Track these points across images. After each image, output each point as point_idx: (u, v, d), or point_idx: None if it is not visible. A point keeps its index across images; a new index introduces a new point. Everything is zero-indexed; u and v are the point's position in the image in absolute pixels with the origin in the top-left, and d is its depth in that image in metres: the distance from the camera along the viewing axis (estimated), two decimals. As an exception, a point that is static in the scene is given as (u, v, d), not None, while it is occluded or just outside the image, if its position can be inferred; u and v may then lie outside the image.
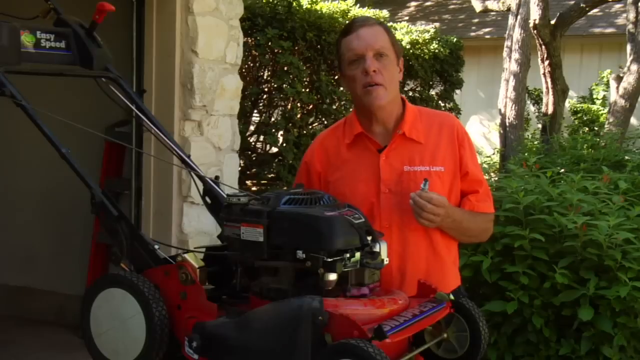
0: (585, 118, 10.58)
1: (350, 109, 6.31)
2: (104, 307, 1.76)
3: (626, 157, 6.17)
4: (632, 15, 8.98)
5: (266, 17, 5.78)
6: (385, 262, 1.74)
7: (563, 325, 3.38)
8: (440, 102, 8.24)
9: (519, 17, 8.45)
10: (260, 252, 1.70)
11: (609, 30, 11.16)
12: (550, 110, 9.16)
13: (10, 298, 5.01)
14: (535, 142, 8.34)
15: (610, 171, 4.52)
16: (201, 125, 4.09)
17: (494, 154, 9.23)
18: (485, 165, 6.95)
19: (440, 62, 8.05)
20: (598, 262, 3.33)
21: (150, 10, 4.02)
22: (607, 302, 3.23)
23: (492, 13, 10.87)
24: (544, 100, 9.40)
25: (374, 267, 1.70)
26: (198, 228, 4.07)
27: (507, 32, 8.86)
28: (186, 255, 1.78)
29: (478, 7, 10.06)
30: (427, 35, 7.99)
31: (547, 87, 9.19)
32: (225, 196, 1.89)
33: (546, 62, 9.01)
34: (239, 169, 4.78)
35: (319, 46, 6.17)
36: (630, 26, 9.00)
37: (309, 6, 6.38)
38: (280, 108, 6.15)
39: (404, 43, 7.52)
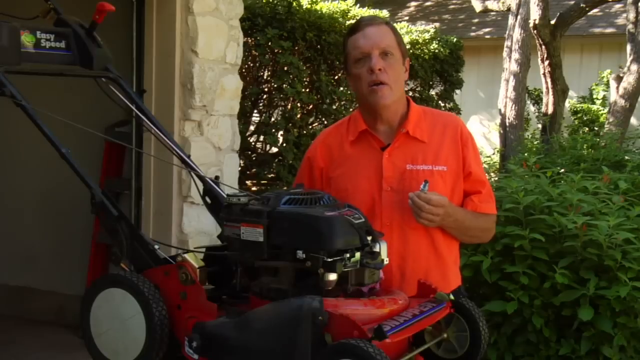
0: (585, 118, 10.58)
1: (350, 109, 6.35)
2: (104, 307, 1.76)
3: (626, 157, 6.17)
4: (632, 15, 8.98)
5: (266, 17, 5.78)
6: (386, 262, 1.74)
7: (563, 325, 3.38)
8: (440, 102, 8.23)
9: (519, 17, 8.46)
10: (260, 252, 1.70)
11: (609, 30, 11.15)
12: (550, 110, 9.16)
13: (10, 298, 5.01)
14: (535, 142, 8.35)
15: (610, 171, 4.52)
16: (201, 125, 4.09)
17: (494, 154, 9.24)
18: (485, 165, 6.94)
19: (440, 62, 8.05)
20: (598, 262, 3.33)
21: (150, 10, 4.02)
22: (607, 302, 3.23)
23: (492, 13, 10.87)
24: (544, 100, 9.40)
25: (374, 267, 1.70)
26: (198, 228, 4.07)
27: (507, 32, 8.87)
28: (186, 255, 1.78)
29: (478, 7, 10.06)
30: (427, 35, 7.99)
31: (547, 87, 9.19)
32: (225, 196, 1.89)
33: (546, 62, 9.01)
34: (239, 169, 4.78)
35: (319, 46, 6.16)
36: (630, 26, 9.00)
37: (309, 6, 6.38)
38: (280, 108, 6.15)
39: (404, 43, 7.51)
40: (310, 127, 6.32)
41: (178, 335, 1.73)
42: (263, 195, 1.79)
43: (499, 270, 3.48)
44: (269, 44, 5.65)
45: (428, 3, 13.99)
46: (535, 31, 8.72)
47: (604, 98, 10.65)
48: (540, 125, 9.86)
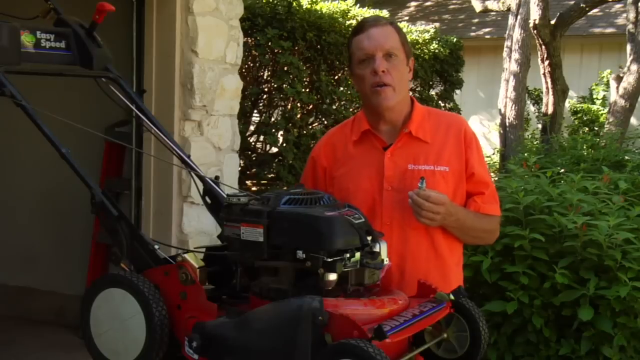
0: (585, 118, 10.58)
1: (350, 109, 6.36)
2: (104, 307, 1.75)
3: (626, 157, 6.17)
4: (632, 15, 8.98)
5: (266, 17, 5.78)
6: (385, 262, 1.74)
7: (563, 325, 3.38)
8: (440, 102, 8.24)
9: (519, 17, 8.46)
10: (260, 252, 1.70)
11: (609, 30, 11.16)
12: (550, 110, 9.16)
13: (10, 298, 5.01)
14: (535, 142, 8.35)
15: (610, 171, 4.52)
16: (201, 125, 4.09)
17: (494, 154, 9.24)
18: (485, 166, 6.94)
19: (440, 62, 8.05)
20: (598, 262, 3.33)
21: (150, 10, 4.02)
22: (607, 302, 3.23)
23: (492, 13, 10.88)
24: (544, 100, 9.40)
25: (374, 267, 1.70)
26: (198, 228, 4.07)
27: (507, 32, 8.87)
28: (186, 255, 1.78)
29: (478, 7, 10.06)
30: (427, 36, 7.99)
31: (547, 87, 9.20)
32: (225, 196, 1.89)
33: (546, 62, 9.02)
34: (239, 169, 4.78)
35: (319, 46, 6.17)
36: (630, 26, 9.01)
37: (309, 6, 6.38)
38: (280, 108, 6.15)
39: (404, 43, 7.51)
40: (310, 127, 6.32)
41: (178, 335, 1.73)
42: (263, 195, 1.79)
43: (499, 270, 3.48)
44: (269, 44, 5.65)
45: (428, 3, 13.99)
46: (535, 31, 8.72)
47: (604, 98, 10.65)
48: (540, 125, 9.87)
